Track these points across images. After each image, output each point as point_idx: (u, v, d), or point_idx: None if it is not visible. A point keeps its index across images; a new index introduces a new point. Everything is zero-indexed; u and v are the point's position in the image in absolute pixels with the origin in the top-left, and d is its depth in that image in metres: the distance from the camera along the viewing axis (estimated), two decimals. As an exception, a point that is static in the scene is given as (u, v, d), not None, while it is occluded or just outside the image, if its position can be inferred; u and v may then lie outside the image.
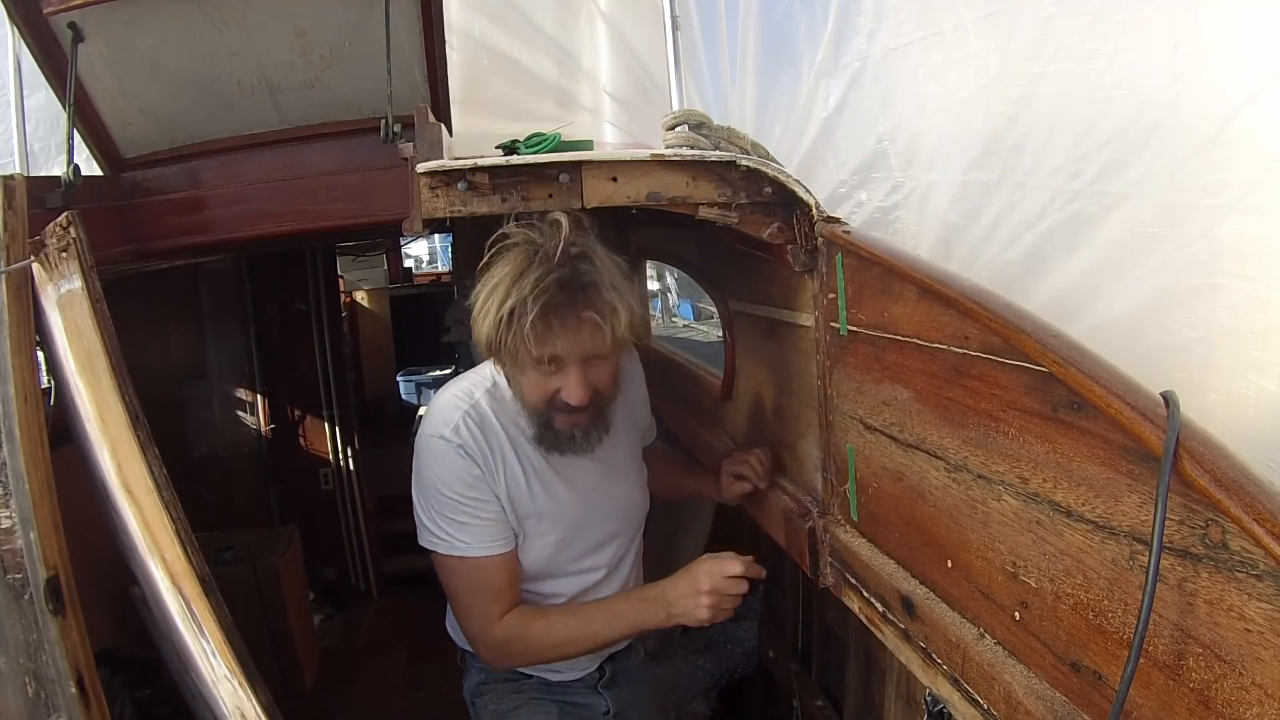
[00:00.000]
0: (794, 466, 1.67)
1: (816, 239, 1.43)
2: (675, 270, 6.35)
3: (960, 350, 1.07)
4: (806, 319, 1.53)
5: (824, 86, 1.73)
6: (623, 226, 2.59)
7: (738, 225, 1.45)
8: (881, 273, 1.25)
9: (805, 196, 1.42)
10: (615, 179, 1.40)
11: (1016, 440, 0.98)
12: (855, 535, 1.41)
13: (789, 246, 1.47)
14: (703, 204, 1.43)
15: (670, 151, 1.39)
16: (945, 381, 1.11)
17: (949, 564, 1.14)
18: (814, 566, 1.52)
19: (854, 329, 1.35)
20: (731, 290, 1.92)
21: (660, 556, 2.69)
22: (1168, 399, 0.82)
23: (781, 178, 1.42)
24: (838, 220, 1.42)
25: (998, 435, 1.01)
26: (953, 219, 1.38)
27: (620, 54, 2.38)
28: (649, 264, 2.93)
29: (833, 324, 1.42)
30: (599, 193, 1.40)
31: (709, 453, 2.04)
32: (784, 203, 1.45)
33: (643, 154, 1.39)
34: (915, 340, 1.17)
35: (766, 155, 1.49)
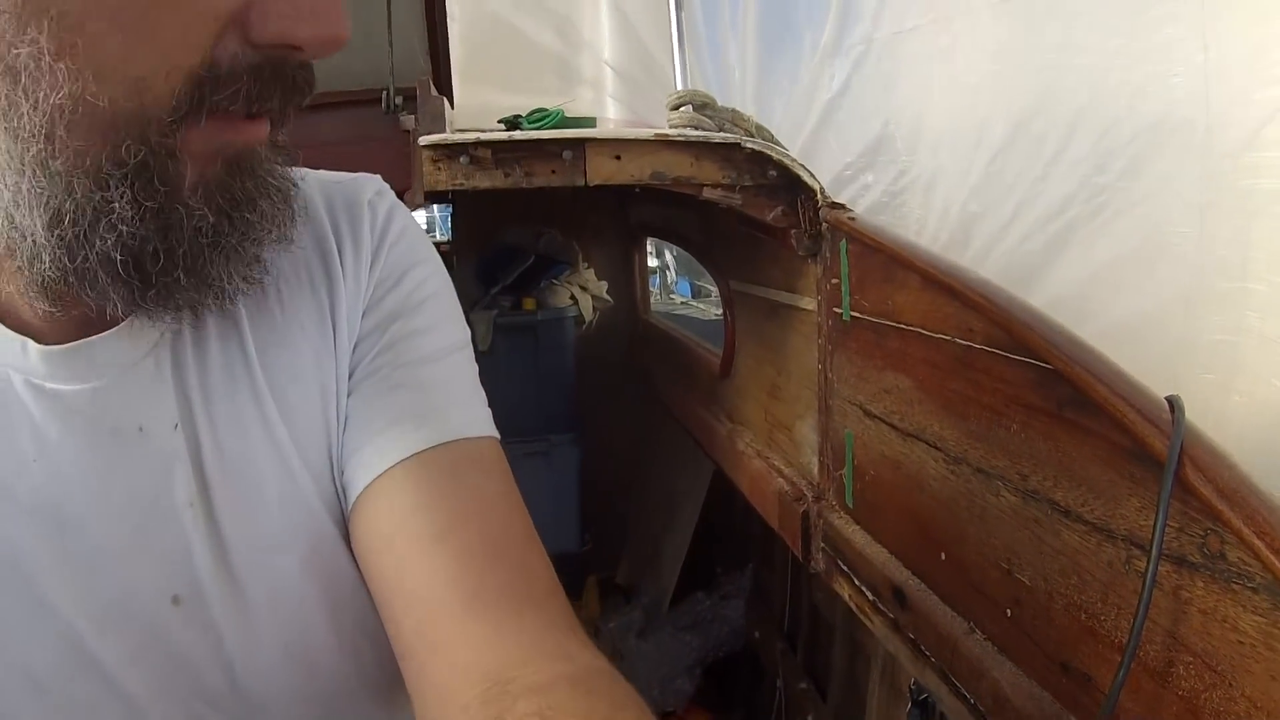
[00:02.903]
0: (790, 449, 1.67)
1: (820, 224, 1.42)
2: (674, 249, 6.31)
3: (964, 342, 1.06)
4: (809, 303, 1.52)
5: (828, 68, 1.70)
6: (622, 202, 2.57)
7: (741, 207, 1.44)
8: (885, 260, 1.23)
9: (810, 181, 1.41)
10: (619, 157, 1.38)
11: (1018, 436, 0.98)
12: (849, 522, 1.41)
13: (792, 231, 1.45)
14: (706, 185, 1.41)
15: (674, 132, 1.38)
16: (948, 373, 1.10)
17: (942, 556, 1.13)
18: (805, 551, 1.52)
19: (856, 315, 1.34)
20: (733, 270, 1.90)
21: (654, 527, 2.70)
22: (1173, 403, 0.81)
23: (786, 161, 1.40)
24: (842, 206, 1.40)
25: (999, 430, 1.01)
26: (973, 208, 1.36)
27: (622, 25, 2.36)
28: (649, 242, 2.91)
29: (835, 309, 1.41)
30: (602, 170, 1.38)
31: (706, 431, 2.04)
32: (788, 187, 1.43)
33: (647, 133, 1.37)
34: (919, 330, 1.16)
35: (771, 139, 1.48)
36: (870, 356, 1.31)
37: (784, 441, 1.71)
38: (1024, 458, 0.97)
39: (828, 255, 1.42)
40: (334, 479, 0.66)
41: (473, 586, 0.58)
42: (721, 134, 1.39)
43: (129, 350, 0.59)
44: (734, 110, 1.46)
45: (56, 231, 0.49)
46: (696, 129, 1.41)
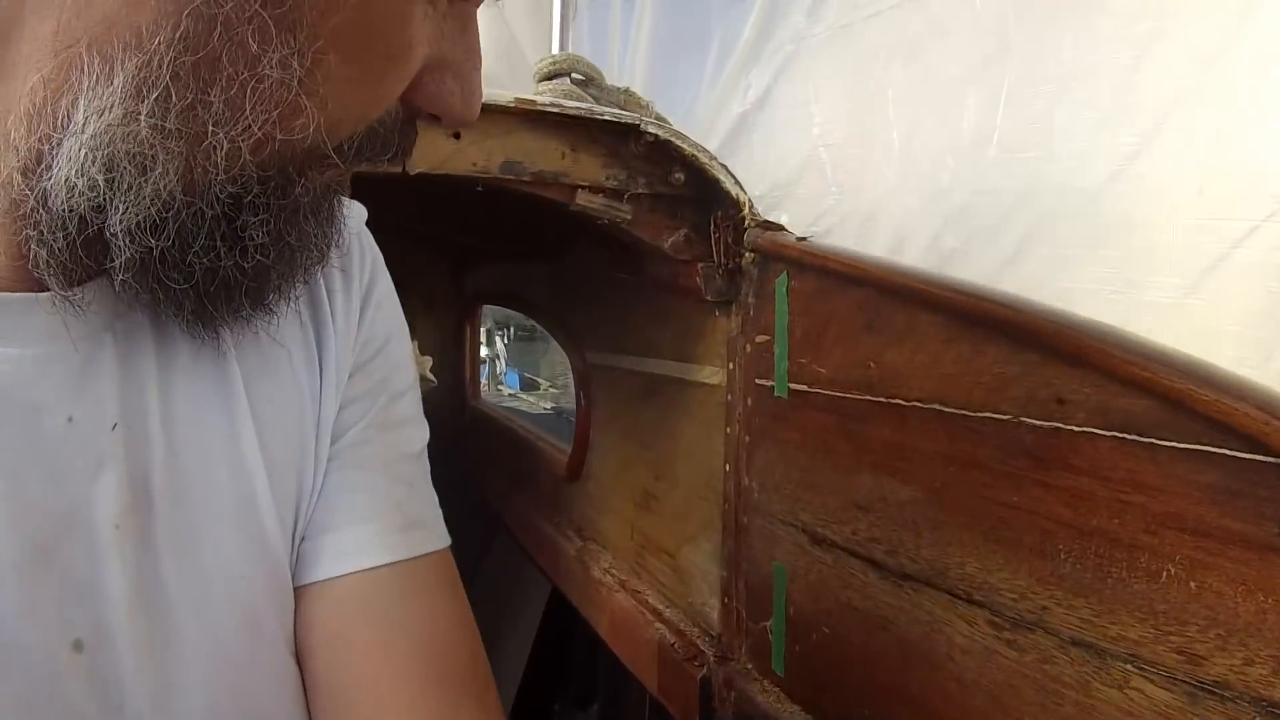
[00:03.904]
0: (673, 583, 1.19)
1: (742, 255, 0.99)
2: (506, 337, 5.83)
3: (1045, 423, 0.63)
4: (713, 374, 1.07)
5: (744, 76, 1.31)
6: (458, 267, 2.09)
7: (630, 225, 0.99)
8: (868, 299, 0.81)
9: (733, 190, 0.98)
10: (458, 135, 0.90)
11: (1178, 587, 0.55)
12: (780, 699, 0.93)
13: (699, 266, 1.01)
14: (582, 187, 0.96)
15: (545, 99, 0.92)
16: (1003, 477, 0.66)
17: (986, 781, 0.68)
18: (705, 734, 1.03)
19: (801, 388, 0.90)
20: (592, 338, 1.44)
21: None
22: None
23: (701, 160, 0.97)
24: (779, 226, 0.98)
25: (1130, 574, 0.57)
26: (951, 241, 0.97)
27: (487, 11, 1.90)
28: (485, 322, 2.41)
29: (760, 381, 0.97)
30: (432, 153, 0.90)
31: (547, 548, 1.53)
32: (699, 198, 1.00)
33: (503, 97, 0.90)
34: (936, 406, 0.72)
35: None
36: (827, 451, 0.86)
37: (662, 571, 1.23)
38: (1194, 624, 0.54)
39: (751, 300, 0.98)
40: (294, 534, 0.56)
41: None
42: (614, 110, 0.94)
43: (73, 323, 0.46)
44: (627, 91, 1.02)
45: (153, 241, 0.42)
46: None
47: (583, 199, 0.95)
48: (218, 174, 0.41)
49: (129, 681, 0.48)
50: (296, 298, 0.51)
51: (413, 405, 0.65)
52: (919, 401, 0.74)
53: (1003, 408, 0.66)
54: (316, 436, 0.57)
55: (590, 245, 1.33)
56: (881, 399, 0.78)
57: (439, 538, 0.61)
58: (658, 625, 1.16)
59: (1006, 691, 0.65)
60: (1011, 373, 0.66)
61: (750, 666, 1.00)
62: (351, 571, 0.56)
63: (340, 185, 0.49)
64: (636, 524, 1.30)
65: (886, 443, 0.78)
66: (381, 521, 0.58)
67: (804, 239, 0.92)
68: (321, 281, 0.58)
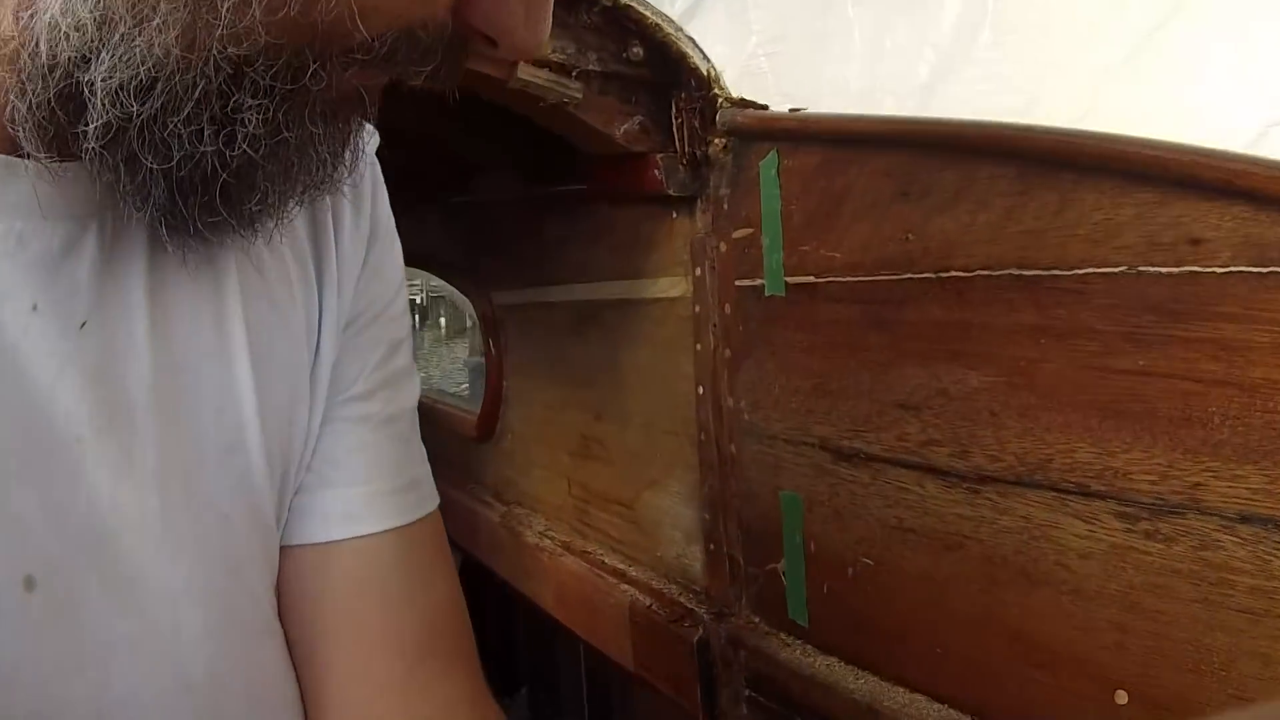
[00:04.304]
0: (634, 538, 1.05)
1: (709, 141, 0.85)
2: None
3: (1174, 270, 0.52)
4: (672, 285, 0.93)
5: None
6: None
7: (577, 110, 0.83)
8: (899, 162, 0.68)
9: (701, 66, 0.84)
10: None
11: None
12: (810, 653, 0.81)
13: (658, 158, 0.87)
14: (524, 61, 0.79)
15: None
16: (1121, 339, 0.55)
17: (1120, 699, 0.57)
18: (708, 704, 0.90)
19: (804, 280, 0.77)
20: (500, 276, 1.26)
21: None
22: None
23: (666, 30, 0.82)
24: (759, 104, 0.84)
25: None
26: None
27: None
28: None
29: (741, 282, 0.83)
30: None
31: (461, 517, 1.35)
32: (659, 80, 0.85)
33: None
34: (1012, 271, 0.61)
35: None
36: (851, 348, 0.74)
37: (615, 526, 1.09)
38: None
39: (724, 192, 0.85)
40: (282, 477, 0.51)
41: (435, 693, 0.55)
42: (555, -33, 0.78)
43: (55, 200, 0.41)
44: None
45: (136, 105, 0.36)
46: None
47: (525, 73, 0.78)
48: (220, 31, 0.35)
49: (90, 626, 0.42)
50: (292, 219, 0.44)
51: (408, 356, 0.60)
52: (985, 270, 0.62)
53: (1113, 259, 0.55)
54: (313, 372, 0.53)
55: (493, 173, 1.16)
56: (929, 275, 0.66)
57: (431, 497, 0.59)
58: (623, 588, 1.02)
59: (1149, 594, 0.55)
60: (1122, 217, 0.55)
61: (757, 620, 0.88)
62: (350, 537, 0.53)
63: (364, 99, 0.42)
64: (575, 477, 1.15)
65: (940, 324, 0.66)
66: (380, 483, 0.55)
67: (798, 109, 0.79)
68: (329, 206, 0.53)
